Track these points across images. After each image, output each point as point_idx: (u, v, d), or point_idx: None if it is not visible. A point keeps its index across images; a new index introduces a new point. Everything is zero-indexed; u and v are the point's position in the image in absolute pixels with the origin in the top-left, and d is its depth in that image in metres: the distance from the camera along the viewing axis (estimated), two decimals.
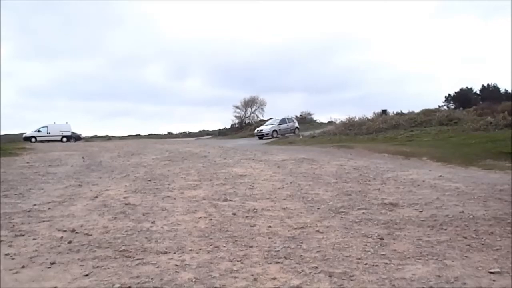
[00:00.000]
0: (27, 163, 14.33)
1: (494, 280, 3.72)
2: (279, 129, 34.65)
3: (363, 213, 6.37)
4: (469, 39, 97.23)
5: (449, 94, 48.71)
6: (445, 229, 5.39)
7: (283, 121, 36.23)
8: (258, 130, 35.41)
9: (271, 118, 39.78)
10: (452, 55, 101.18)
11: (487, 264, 4.10)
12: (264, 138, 32.97)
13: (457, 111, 31.89)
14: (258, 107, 54.93)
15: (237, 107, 54.80)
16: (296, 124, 37.11)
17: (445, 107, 42.45)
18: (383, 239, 5.01)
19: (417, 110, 32.57)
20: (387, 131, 26.10)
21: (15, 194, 8.18)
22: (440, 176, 9.91)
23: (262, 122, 51.39)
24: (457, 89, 48.50)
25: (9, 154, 17.79)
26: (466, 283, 3.66)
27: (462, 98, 44.88)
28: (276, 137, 32.44)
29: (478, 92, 48.38)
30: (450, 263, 4.16)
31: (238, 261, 4.29)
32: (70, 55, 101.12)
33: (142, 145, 23.97)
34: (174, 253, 4.58)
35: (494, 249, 4.58)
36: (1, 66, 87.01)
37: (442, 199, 7.27)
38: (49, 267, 4.16)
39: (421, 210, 6.49)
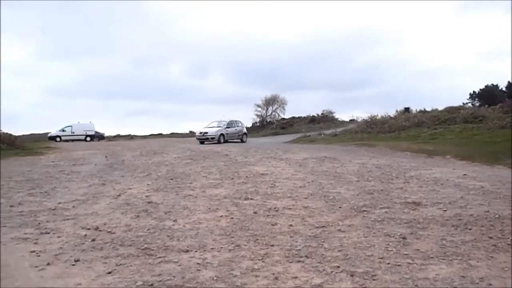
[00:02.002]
0: (52, 162, 14.66)
1: None
2: (227, 133, 28.13)
3: (386, 212, 6.30)
4: (495, 34, 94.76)
5: (474, 91, 47.48)
6: (470, 229, 5.29)
7: (230, 124, 29.55)
8: (201, 133, 27.74)
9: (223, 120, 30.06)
10: (478, 50, 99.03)
11: None
12: (206, 143, 26.11)
13: (482, 108, 31.10)
14: (280, 106, 54.65)
15: (258, 106, 54.63)
16: (245, 130, 31.07)
17: (469, 105, 41.46)
18: (406, 238, 4.94)
19: (441, 108, 31.94)
20: (410, 129, 25.64)
21: (40, 193, 8.38)
22: (465, 174, 9.73)
23: (284, 120, 51.22)
24: (482, 86, 47.36)
25: (35, 153, 18.25)
26: (491, 284, 3.58)
27: (487, 95, 43.71)
28: (223, 142, 26.76)
29: (504, 89, 47.11)
30: (475, 263, 4.08)
31: (259, 259, 4.30)
32: (91, 54, 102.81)
33: (164, 144, 24.24)
34: (196, 251, 4.61)
35: None
36: (25, 66, 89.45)
37: (467, 198, 7.13)
38: (73, 264, 4.25)
39: (445, 209, 6.38)
